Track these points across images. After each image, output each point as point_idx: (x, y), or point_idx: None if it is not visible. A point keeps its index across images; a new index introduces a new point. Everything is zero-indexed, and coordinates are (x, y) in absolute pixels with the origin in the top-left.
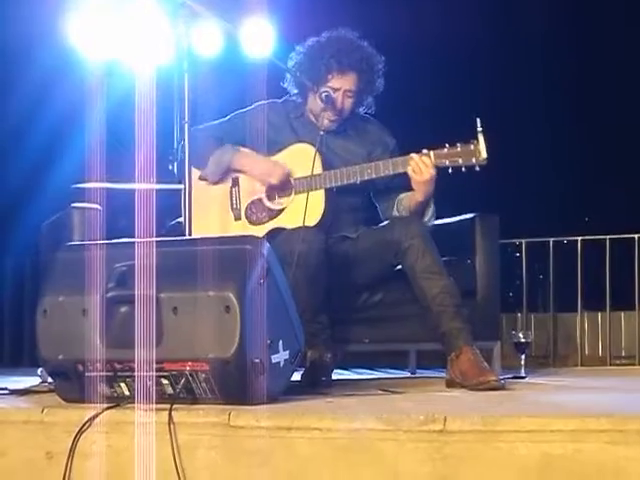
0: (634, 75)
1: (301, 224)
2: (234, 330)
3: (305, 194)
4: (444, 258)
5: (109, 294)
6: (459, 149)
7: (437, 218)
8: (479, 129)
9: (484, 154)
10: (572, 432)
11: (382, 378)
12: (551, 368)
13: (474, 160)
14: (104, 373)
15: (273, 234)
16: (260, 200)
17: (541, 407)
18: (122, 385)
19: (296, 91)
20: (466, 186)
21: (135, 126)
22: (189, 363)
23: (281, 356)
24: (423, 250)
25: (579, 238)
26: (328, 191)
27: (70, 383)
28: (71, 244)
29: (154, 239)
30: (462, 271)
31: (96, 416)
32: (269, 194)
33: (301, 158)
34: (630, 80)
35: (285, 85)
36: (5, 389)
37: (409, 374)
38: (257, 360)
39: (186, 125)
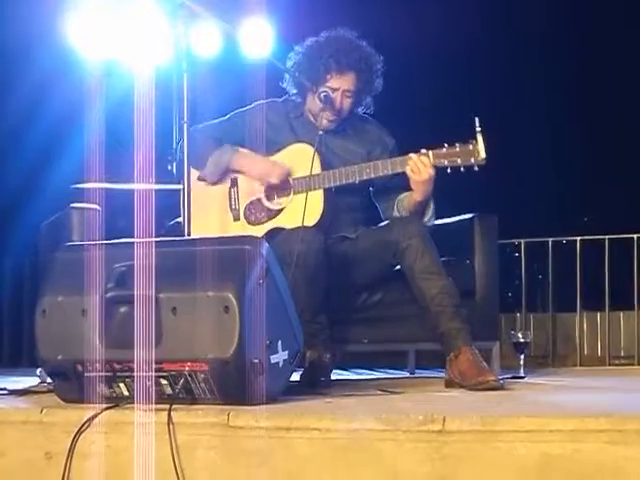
0: (634, 75)
1: (300, 224)
2: (233, 330)
3: (304, 194)
4: (443, 258)
5: (108, 294)
6: (458, 149)
7: (436, 218)
8: (478, 129)
9: (483, 154)
10: (571, 432)
11: (381, 378)
12: (550, 368)
13: (473, 160)
14: (103, 373)
15: (272, 234)
16: (259, 200)
17: (540, 407)
18: (121, 385)
19: (295, 91)
20: (465, 186)
21: (134, 126)
22: (188, 363)
23: (280, 356)
24: (422, 250)
25: (578, 238)
26: (327, 191)
27: (69, 383)
28: (70, 244)
29: (153, 239)
30: (461, 271)
31: (95, 416)
32: (268, 194)
33: (300, 158)
34: (630, 80)
35: (284, 85)
36: (4, 389)
37: (408, 374)
38: (256, 360)
39: (185, 125)
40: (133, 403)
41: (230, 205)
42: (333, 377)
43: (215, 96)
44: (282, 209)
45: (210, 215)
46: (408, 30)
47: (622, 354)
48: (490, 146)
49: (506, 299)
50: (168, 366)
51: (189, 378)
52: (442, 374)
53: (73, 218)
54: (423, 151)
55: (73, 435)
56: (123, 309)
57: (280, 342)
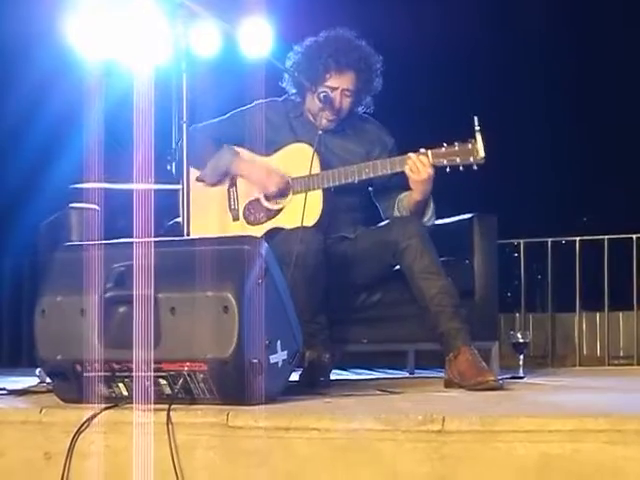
0: (633, 75)
1: (299, 224)
2: (232, 330)
3: (303, 194)
4: (442, 258)
5: (107, 294)
6: (457, 148)
7: (436, 218)
8: (477, 128)
9: (482, 153)
10: (570, 432)
11: (380, 378)
12: (549, 368)
13: (472, 159)
14: (102, 373)
15: (271, 234)
16: (258, 200)
17: (539, 407)
18: (120, 385)
19: (294, 91)
20: (464, 186)
21: (133, 126)
22: (187, 363)
23: (279, 356)
24: (421, 250)
25: (577, 238)
26: (326, 191)
27: (68, 383)
28: (69, 244)
29: (152, 239)
30: (460, 271)
31: (94, 416)
32: (267, 194)
33: (299, 158)
34: (629, 80)
35: (283, 85)
36: (3, 389)
37: (407, 374)
38: (255, 360)
39: (184, 125)
40: (132, 403)
41: (229, 205)
42: (332, 377)
43: (214, 96)
44: (281, 209)
45: (209, 215)
46: (407, 30)
47: (621, 354)
48: (489, 146)
49: (505, 299)
50: (167, 366)
51: (188, 378)
52: (441, 374)
53: (72, 218)
54: (422, 150)
55: (72, 435)
56: (122, 309)
57: (279, 342)
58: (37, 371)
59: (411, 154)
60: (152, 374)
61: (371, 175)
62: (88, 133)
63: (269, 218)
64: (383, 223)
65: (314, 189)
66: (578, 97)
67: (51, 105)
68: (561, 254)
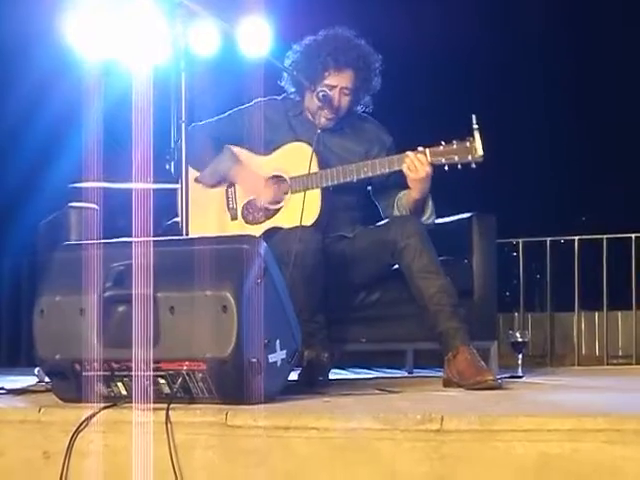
0: (632, 74)
1: (298, 223)
2: (231, 330)
3: (301, 193)
4: (441, 258)
5: (106, 294)
6: (455, 146)
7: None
8: (475, 126)
9: (480, 151)
10: (569, 431)
11: (379, 377)
12: (548, 368)
13: (470, 157)
14: (101, 373)
15: (270, 234)
16: (256, 200)
17: (538, 406)
18: (119, 385)
19: (293, 90)
20: (463, 185)
21: (132, 125)
22: (186, 363)
23: (278, 356)
24: (420, 250)
25: (576, 238)
26: (324, 190)
27: (67, 383)
28: (68, 244)
29: (151, 239)
30: (459, 271)
31: (93, 416)
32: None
33: (297, 157)
34: (628, 79)
35: (282, 84)
36: (2, 388)
37: (406, 373)
38: (254, 360)
39: (183, 124)
40: (131, 402)
41: (227, 204)
42: (331, 376)
43: (213, 95)
44: (280, 208)
45: (208, 214)
46: (406, 29)
47: (620, 354)
48: (488, 145)
49: (504, 298)
50: (166, 365)
51: (187, 377)
52: (440, 373)
53: (71, 217)
54: (420, 149)
55: (71, 434)
56: (121, 308)
57: (278, 341)
58: (36, 370)
59: (409, 152)
60: (151, 373)
61: (369, 174)
62: (87, 132)
63: (267, 217)
64: (382, 222)
65: (312, 188)
66: (577, 96)
67: (50, 105)
68: (560, 253)
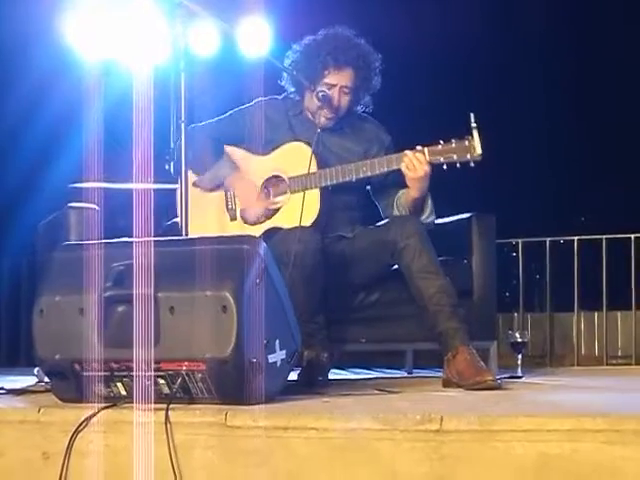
0: (632, 74)
1: (297, 223)
2: (231, 330)
3: (300, 193)
4: (440, 258)
5: (106, 293)
6: (453, 145)
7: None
8: (473, 125)
9: (479, 150)
10: (569, 432)
11: (379, 378)
12: (548, 368)
13: (469, 156)
14: (101, 373)
15: (269, 234)
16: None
17: (538, 407)
18: (119, 385)
19: (293, 89)
20: (463, 186)
21: (132, 125)
22: (186, 363)
23: (278, 356)
24: (419, 250)
25: (575, 238)
26: (323, 190)
27: (67, 383)
28: (68, 244)
29: (151, 239)
30: (459, 271)
31: (93, 416)
32: (264, 194)
33: (296, 156)
34: (628, 79)
35: (282, 83)
36: (2, 389)
37: (406, 374)
38: (254, 360)
39: (183, 124)
40: (131, 402)
41: (227, 205)
42: (331, 377)
43: (213, 95)
44: (279, 209)
45: (207, 215)
46: (406, 28)
47: (619, 354)
48: (488, 145)
49: (504, 299)
50: (166, 365)
51: (186, 377)
52: (440, 374)
53: (71, 217)
54: (419, 148)
55: (71, 434)
56: (121, 308)
57: (278, 341)
58: (35, 370)
59: (408, 151)
60: (151, 373)
61: (368, 173)
62: (87, 132)
63: (267, 218)
64: (381, 222)
65: (311, 188)
66: (576, 96)
67: (50, 105)
68: (559, 254)
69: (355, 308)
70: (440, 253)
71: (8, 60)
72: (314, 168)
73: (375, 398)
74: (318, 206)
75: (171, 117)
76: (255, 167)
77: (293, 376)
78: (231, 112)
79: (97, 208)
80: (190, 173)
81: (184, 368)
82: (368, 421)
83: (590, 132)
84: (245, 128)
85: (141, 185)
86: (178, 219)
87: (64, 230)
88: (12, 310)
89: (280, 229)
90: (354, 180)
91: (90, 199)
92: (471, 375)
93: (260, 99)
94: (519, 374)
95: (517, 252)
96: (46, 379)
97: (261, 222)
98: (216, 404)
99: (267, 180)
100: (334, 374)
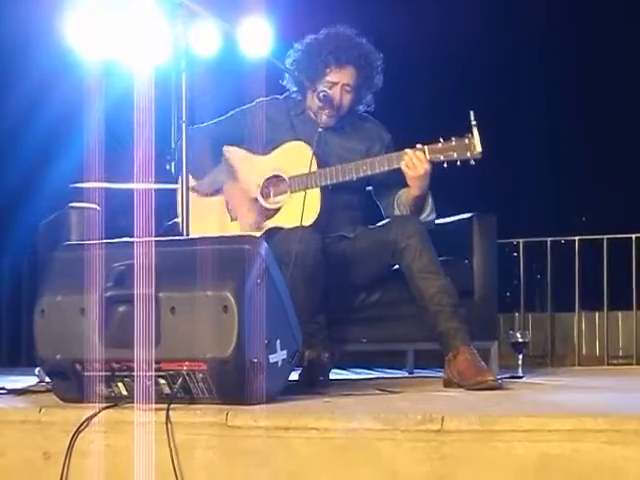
0: (633, 74)
1: (297, 223)
2: (232, 330)
3: (300, 192)
4: (441, 258)
5: (107, 294)
6: (453, 143)
7: (436, 217)
8: (473, 122)
9: (479, 148)
10: (570, 432)
11: (380, 378)
12: (549, 368)
13: (469, 154)
14: (102, 373)
15: (270, 234)
16: (255, 200)
17: (539, 407)
18: (120, 385)
19: (295, 89)
20: (463, 186)
21: (133, 126)
22: (186, 363)
23: (279, 356)
24: (420, 250)
25: (576, 238)
26: (324, 189)
27: (68, 383)
28: (69, 243)
29: (152, 239)
30: (459, 271)
31: (94, 416)
32: (264, 193)
33: (296, 156)
34: (629, 79)
35: (284, 83)
36: (3, 389)
37: (407, 374)
38: (255, 360)
39: (184, 125)
40: (132, 402)
41: (227, 205)
42: (332, 377)
43: (214, 95)
44: (279, 208)
45: (207, 215)
46: (406, 28)
47: (620, 354)
48: (488, 145)
49: (504, 299)
50: (166, 365)
51: (187, 378)
52: (441, 374)
53: (72, 217)
54: (419, 146)
55: (71, 434)
56: (122, 308)
57: (279, 341)
58: (36, 370)
59: (408, 150)
60: (152, 374)
61: (368, 172)
62: (88, 132)
63: (267, 217)
64: (382, 222)
65: (312, 187)
66: (577, 96)
67: (51, 105)
68: (560, 254)
69: (356, 308)
70: (441, 253)
71: (8, 60)
72: (314, 167)
73: (376, 398)
74: (319, 205)
75: (172, 117)
76: (256, 167)
77: (294, 376)
78: (232, 112)
79: (98, 208)
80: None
81: (185, 368)
82: (369, 421)
83: (590, 132)
84: (246, 128)
85: (142, 185)
86: (179, 219)
87: (65, 230)
88: (13, 310)
89: (281, 229)
90: (354, 179)
91: (91, 199)
92: (472, 375)
93: (261, 99)
94: (520, 374)
95: (518, 252)
96: (47, 379)
97: (254, 231)
98: (217, 404)
99: (267, 180)
100: (335, 374)
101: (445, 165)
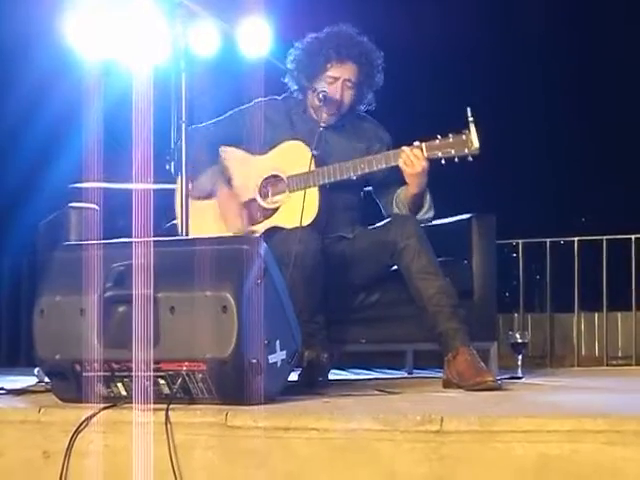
0: (633, 74)
1: (296, 223)
2: (231, 330)
3: (299, 192)
4: (440, 258)
5: (106, 294)
6: (451, 140)
7: (434, 218)
8: (470, 119)
9: (476, 143)
10: (569, 432)
11: (379, 378)
12: (548, 368)
13: (466, 150)
14: (101, 373)
15: (269, 234)
16: (254, 200)
17: (538, 407)
18: (119, 385)
19: (296, 87)
20: (463, 186)
21: (132, 126)
22: (186, 363)
23: (278, 356)
24: (419, 250)
25: (576, 239)
26: (322, 188)
27: (67, 383)
28: (68, 244)
29: (152, 239)
30: (459, 271)
31: (93, 416)
32: (262, 193)
33: (294, 155)
34: (629, 79)
35: (285, 80)
36: (2, 389)
37: (406, 374)
38: (254, 360)
39: (183, 125)
40: (131, 403)
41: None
42: (331, 377)
43: (213, 95)
44: (277, 208)
45: (206, 215)
46: (406, 27)
47: (620, 354)
48: (488, 145)
49: (504, 299)
50: (166, 366)
51: (187, 378)
52: (440, 374)
53: (71, 217)
54: (416, 143)
55: (71, 434)
56: (121, 309)
57: (278, 342)
58: (36, 370)
59: (405, 147)
60: (151, 374)
61: (366, 170)
62: (87, 133)
63: (266, 217)
64: (381, 223)
65: (310, 186)
66: (577, 96)
67: (50, 105)
68: (560, 254)
69: (355, 308)
70: (440, 254)
71: (8, 60)
72: (313, 167)
73: (375, 399)
74: (317, 205)
75: (172, 117)
76: (253, 167)
77: (293, 376)
78: (231, 112)
79: (97, 208)
80: None
81: (184, 368)
82: (368, 422)
83: (590, 132)
84: (244, 128)
85: (141, 185)
86: (177, 221)
87: (64, 230)
88: (12, 310)
89: (280, 228)
90: (353, 178)
91: (90, 199)
92: (471, 376)
93: (260, 99)
94: (519, 375)
95: (517, 253)
96: (46, 379)
97: (267, 216)
98: (216, 404)
99: (266, 179)
100: (334, 374)
101: (443, 162)
